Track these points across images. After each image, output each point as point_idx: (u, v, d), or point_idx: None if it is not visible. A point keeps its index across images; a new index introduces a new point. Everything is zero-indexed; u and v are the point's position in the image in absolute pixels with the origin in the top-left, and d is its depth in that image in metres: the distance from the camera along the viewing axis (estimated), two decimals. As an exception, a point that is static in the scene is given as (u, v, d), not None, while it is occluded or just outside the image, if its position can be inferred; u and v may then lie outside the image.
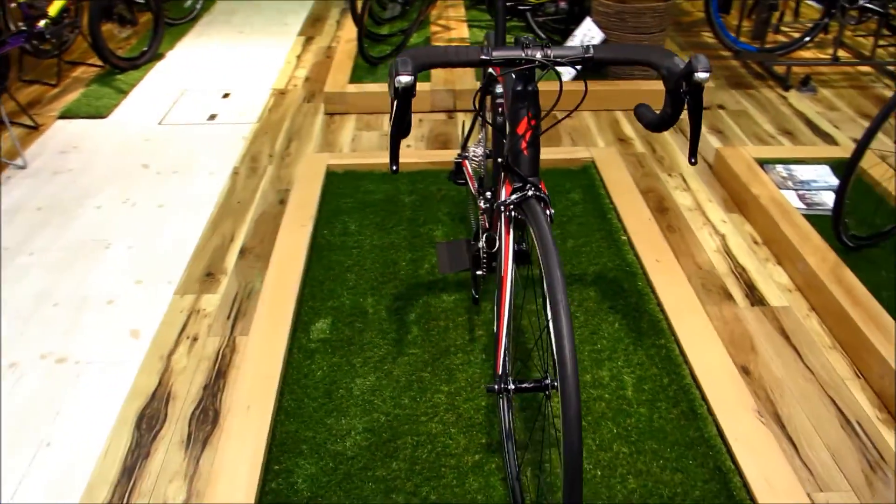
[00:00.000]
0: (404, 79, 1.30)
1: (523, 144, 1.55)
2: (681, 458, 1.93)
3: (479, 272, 2.13)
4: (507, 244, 1.58)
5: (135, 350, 2.42)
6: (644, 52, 1.42)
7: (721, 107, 4.18)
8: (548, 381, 1.58)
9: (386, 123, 3.91)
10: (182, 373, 2.30)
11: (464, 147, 2.55)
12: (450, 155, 3.37)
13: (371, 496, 1.85)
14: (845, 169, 2.58)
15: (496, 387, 1.59)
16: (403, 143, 3.61)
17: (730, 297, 2.63)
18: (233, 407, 2.05)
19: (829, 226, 2.72)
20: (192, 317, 2.54)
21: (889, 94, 4.34)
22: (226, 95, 4.30)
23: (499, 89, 2.14)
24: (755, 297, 2.64)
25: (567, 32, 4.42)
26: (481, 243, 2.10)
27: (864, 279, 2.52)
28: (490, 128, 2.20)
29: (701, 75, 1.30)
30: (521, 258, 2.02)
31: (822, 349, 2.40)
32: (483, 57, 1.40)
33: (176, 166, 3.55)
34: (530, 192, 1.53)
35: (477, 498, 1.84)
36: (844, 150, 3.54)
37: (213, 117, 4.03)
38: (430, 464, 1.93)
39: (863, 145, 2.50)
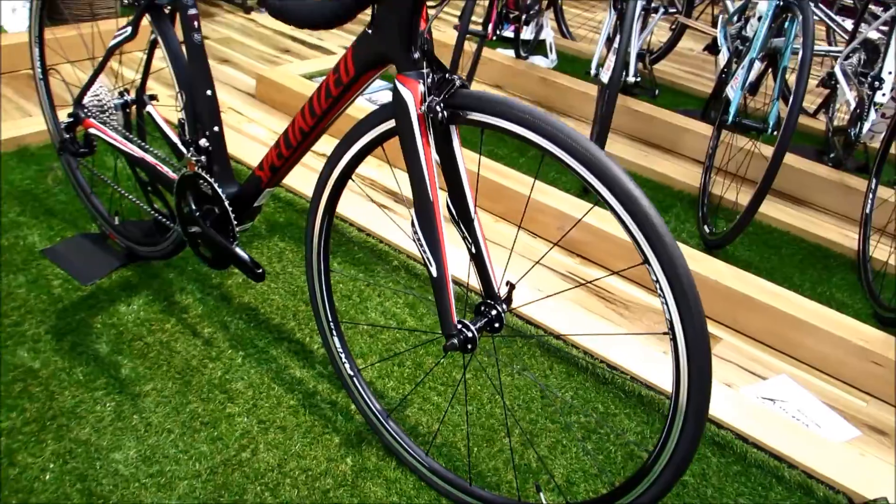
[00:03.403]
0: None
1: (425, 30, 1.17)
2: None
3: (236, 245, 1.58)
4: (430, 160, 1.19)
5: None
6: None
7: (205, 37, 3.84)
8: (496, 311, 1.30)
9: None
10: None
11: (79, 102, 1.82)
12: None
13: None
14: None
15: (455, 341, 1.23)
16: None
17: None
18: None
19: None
20: None
21: None
22: None
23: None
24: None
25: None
26: (227, 205, 1.55)
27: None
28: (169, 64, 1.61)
29: None
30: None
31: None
32: None
33: None
34: (458, 82, 1.18)
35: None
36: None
37: None
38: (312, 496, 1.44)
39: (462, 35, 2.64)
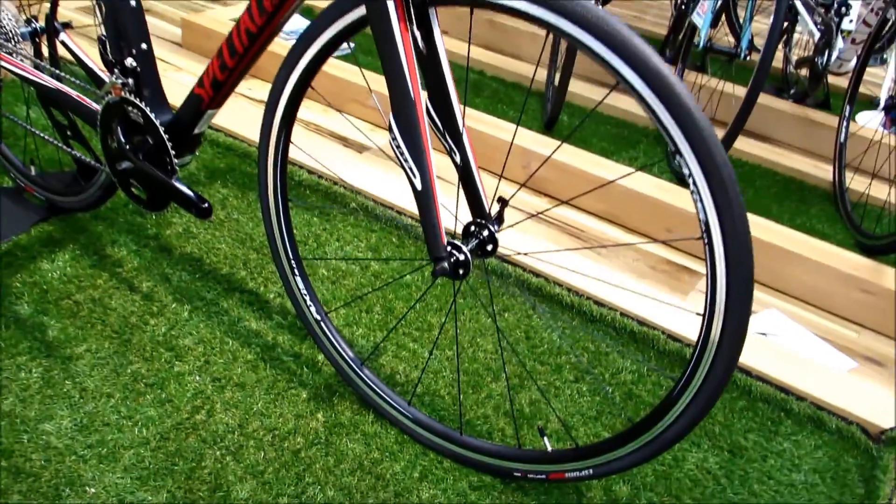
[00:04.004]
0: None
1: None
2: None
3: (175, 179, 1.36)
4: (410, 49, 1.00)
5: None
6: None
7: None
8: (488, 232, 1.13)
9: None
10: None
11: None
12: None
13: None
14: None
15: (446, 265, 1.06)
16: None
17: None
18: None
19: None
20: None
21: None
22: None
23: None
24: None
25: None
26: (162, 132, 1.34)
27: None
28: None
29: None
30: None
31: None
32: None
33: None
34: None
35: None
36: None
37: None
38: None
39: None
